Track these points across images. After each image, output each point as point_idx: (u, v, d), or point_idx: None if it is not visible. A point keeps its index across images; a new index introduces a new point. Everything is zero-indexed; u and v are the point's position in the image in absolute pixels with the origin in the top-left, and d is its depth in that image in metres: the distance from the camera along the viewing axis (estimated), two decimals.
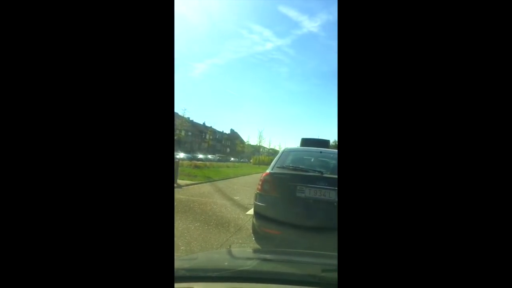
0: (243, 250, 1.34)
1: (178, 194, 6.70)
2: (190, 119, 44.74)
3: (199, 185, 9.35)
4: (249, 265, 1.02)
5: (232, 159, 49.17)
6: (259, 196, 2.96)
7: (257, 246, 3.05)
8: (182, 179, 9.58)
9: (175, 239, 3.18)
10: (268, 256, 1.21)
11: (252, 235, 3.27)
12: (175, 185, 7.92)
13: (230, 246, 1.20)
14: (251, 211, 3.46)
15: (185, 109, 40.49)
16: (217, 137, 61.66)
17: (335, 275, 0.88)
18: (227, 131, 68.09)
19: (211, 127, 57.40)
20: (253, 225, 3.16)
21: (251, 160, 46.50)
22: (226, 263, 1.01)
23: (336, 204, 2.71)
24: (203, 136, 53.87)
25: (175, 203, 5.10)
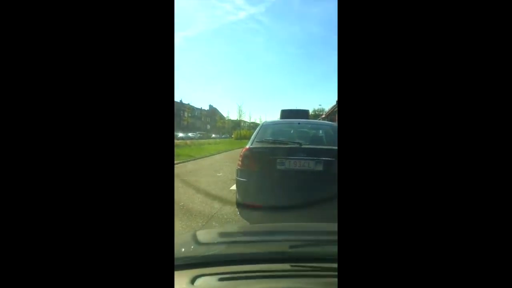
0: (208, 234, 1.32)
1: None
2: None
3: (181, 164, 9.29)
4: (215, 249, 1.01)
5: (213, 135, 48.91)
6: (240, 172, 2.98)
7: (244, 221, 3.11)
8: None
9: None
10: (234, 238, 1.19)
11: (237, 209, 3.33)
12: None
13: (195, 231, 1.16)
14: (234, 187, 3.49)
15: None
16: (196, 114, 60.71)
17: (302, 250, 0.90)
18: (206, 108, 67.14)
19: (188, 104, 56.17)
20: (237, 200, 3.20)
21: (232, 136, 46.35)
22: (191, 249, 0.98)
23: (315, 173, 2.77)
24: (182, 114, 52.80)
25: None
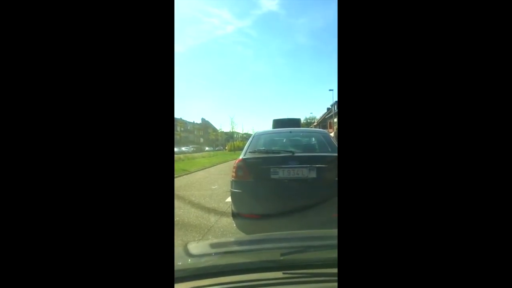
0: (200, 246, 1.30)
1: None
2: None
3: (175, 179, 9.21)
4: (207, 260, 1.01)
5: (207, 148, 48.66)
6: (235, 183, 2.98)
7: (240, 233, 3.08)
8: None
9: None
10: (225, 249, 1.18)
11: (233, 221, 3.30)
12: None
13: (186, 244, 1.15)
14: (230, 199, 3.48)
15: None
16: (188, 128, 60.53)
17: (293, 257, 0.89)
18: (198, 121, 66.95)
19: (181, 118, 56.07)
20: (232, 211, 3.18)
21: (226, 148, 46.24)
22: (182, 263, 0.97)
23: (309, 180, 2.79)
24: (174, 128, 52.55)
25: None
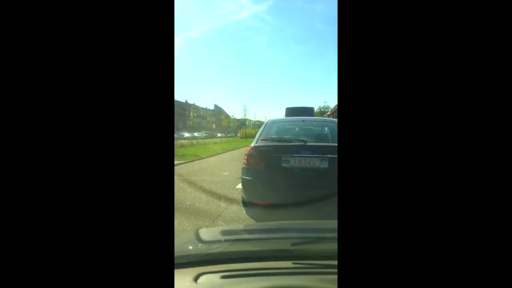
0: (211, 232, 1.32)
1: None
2: None
3: (187, 164, 9.34)
4: (218, 247, 1.01)
5: (219, 134, 48.95)
6: (246, 170, 2.99)
7: (250, 220, 3.11)
8: None
9: None
10: (236, 236, 1.19)
11: (243, 208, 3.34)
12: None
13: (198, 230, 1.16)
14: (240, 185, 3.51)
15: None
16: (201, 113, 60.87)
17: (304, 247, 0.89)
18: (211, 107, 67.19)
19: (194, 104, 56.33)
20: (243, 198, 3.21)
21: (238, 134, 46.37)
22: (193, 248, 0.99)
23: (321, 170, 2.76)
24: (187, 114, 52.98)
25: None
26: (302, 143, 2.94)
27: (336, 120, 4.21)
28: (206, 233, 1.15)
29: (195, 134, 38.81)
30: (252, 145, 3.11)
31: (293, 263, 0.80)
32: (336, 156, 2.75)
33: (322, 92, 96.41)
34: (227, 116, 63.58)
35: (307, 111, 6.37)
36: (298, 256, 0.83)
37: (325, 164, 2.77)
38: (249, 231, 1.36)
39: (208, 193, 4.69)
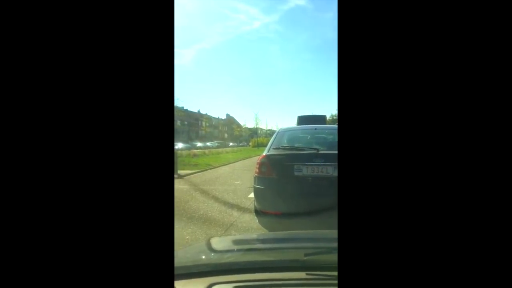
0: (223, 241, 1.30)
1: (179, 184, 6.73)
2: (185, 108, 44.09)
3: (199, 173, 9.39)
4: (230, 257, 1.00)
5: (231, 144, 49.23)
6: (258, 179, 2.98)
7: (262, 230, 3.09)
8: (182, 169, 9.60)
9: (180, 230, 3.21)
10: (248, 246, 1.18)
11: (256, 217, 3.32)
12: (175, 175, 7.95)
13: (210, 239, 1.15)
14: (252, 194, 3.50)
15: (178, 99, 39.91)
16: (213, 123, 61.44)
17: (316, 257, 0.87)
18: (223, 117, 67.72)
19: (206, 114, 57.05)
20: (255, 207, 3.19)
21: (250, 143, 46.47)
22: (205, 257, 0.98)
23: (333, 178, 2.72)
24: (199, 123, 53.63)
25: (176, 194, 5.13)
26: (315, 151, 2.91)
27: None
28: (218, 243, 1.14)
29: (208, 143, 39.17)
30: (264, 153, 3.11)
31: (306, 274, 0.78)
32: None
33: (334, 100, 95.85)
34: (239, 126, 63.95)
35: (319, 119, 6.32)
36: (311, 266, 0.82)
37: (337, 173, 2.73)
38: (262, 241, 1.35)
39: (220, 202, 4.69)
